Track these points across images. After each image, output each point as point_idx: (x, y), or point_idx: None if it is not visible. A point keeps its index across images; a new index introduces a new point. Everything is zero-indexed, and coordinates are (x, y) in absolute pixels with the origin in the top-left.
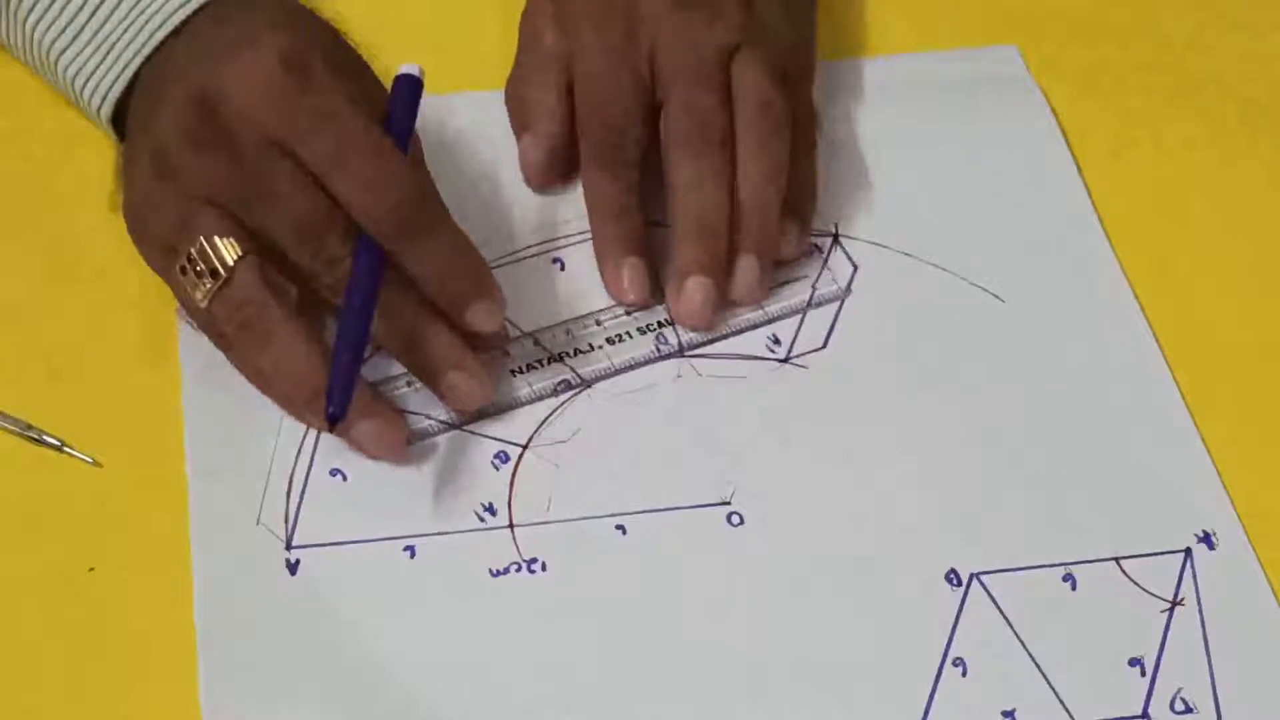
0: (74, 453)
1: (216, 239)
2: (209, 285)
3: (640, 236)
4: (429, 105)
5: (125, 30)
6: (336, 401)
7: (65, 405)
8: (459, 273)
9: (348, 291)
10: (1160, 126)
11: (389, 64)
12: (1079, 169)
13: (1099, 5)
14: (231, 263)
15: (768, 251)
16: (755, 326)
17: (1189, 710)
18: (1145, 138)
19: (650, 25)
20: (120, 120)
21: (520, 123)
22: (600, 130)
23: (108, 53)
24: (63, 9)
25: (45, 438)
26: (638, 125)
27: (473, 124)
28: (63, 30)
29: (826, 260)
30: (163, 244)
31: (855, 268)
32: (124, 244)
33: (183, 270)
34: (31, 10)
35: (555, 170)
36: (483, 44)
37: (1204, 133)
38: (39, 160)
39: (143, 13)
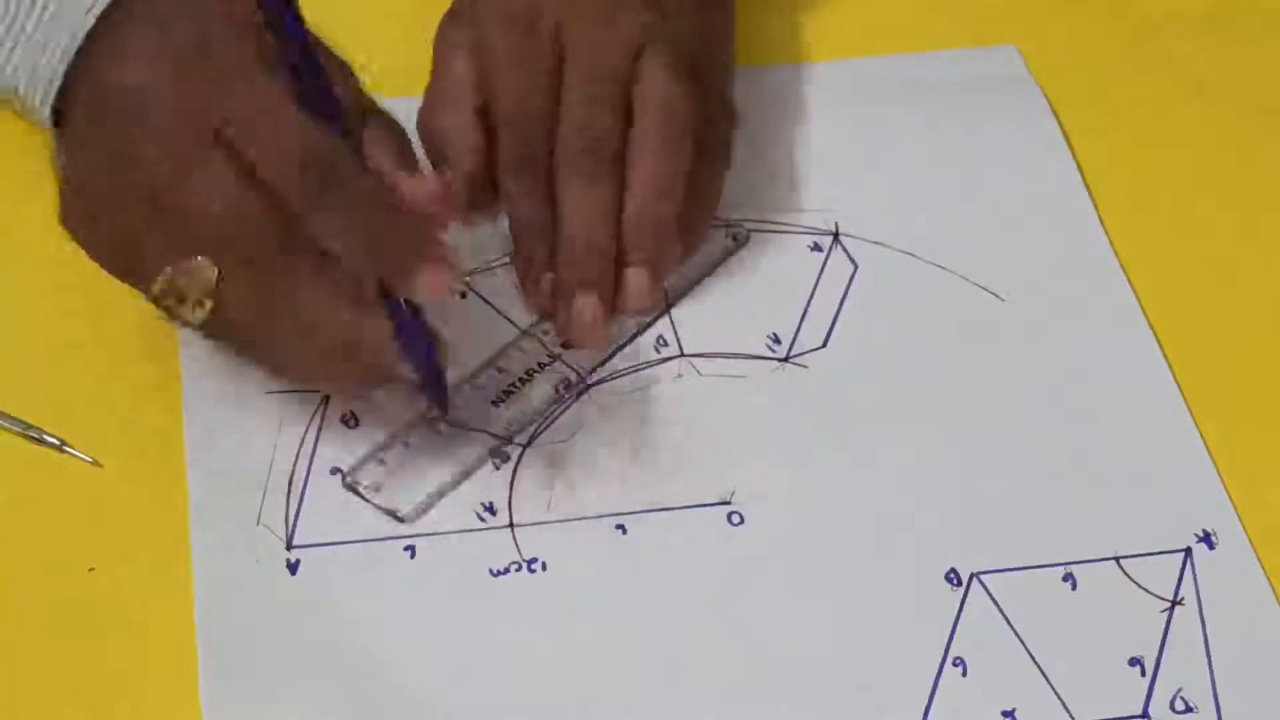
0: (74, 453)
1: (193, 265)
2: (202, 312)
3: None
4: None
5: (51, 31)
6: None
7: (65, 405)
8: (385, 236)
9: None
10: (1160, 126)
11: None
12: (1079, 169)
13: (1099, 5)
14: (215, 283)
15: (658, 264)
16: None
17: (1189, 710)
18: (1145, 137)
19: (557, 28)
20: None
21: (435, 154)
22: (516, 139)
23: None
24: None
25: (45, 438)
26: (551, 128)
27: None
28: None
29: (827, 260)
30: (129, 254)
31: (855, 267)
32: None
33: (157, 297)
34: None
35: (479, 198)
36: None
37: (1204, 132)
38: (38, 158)
39: (59, 17)
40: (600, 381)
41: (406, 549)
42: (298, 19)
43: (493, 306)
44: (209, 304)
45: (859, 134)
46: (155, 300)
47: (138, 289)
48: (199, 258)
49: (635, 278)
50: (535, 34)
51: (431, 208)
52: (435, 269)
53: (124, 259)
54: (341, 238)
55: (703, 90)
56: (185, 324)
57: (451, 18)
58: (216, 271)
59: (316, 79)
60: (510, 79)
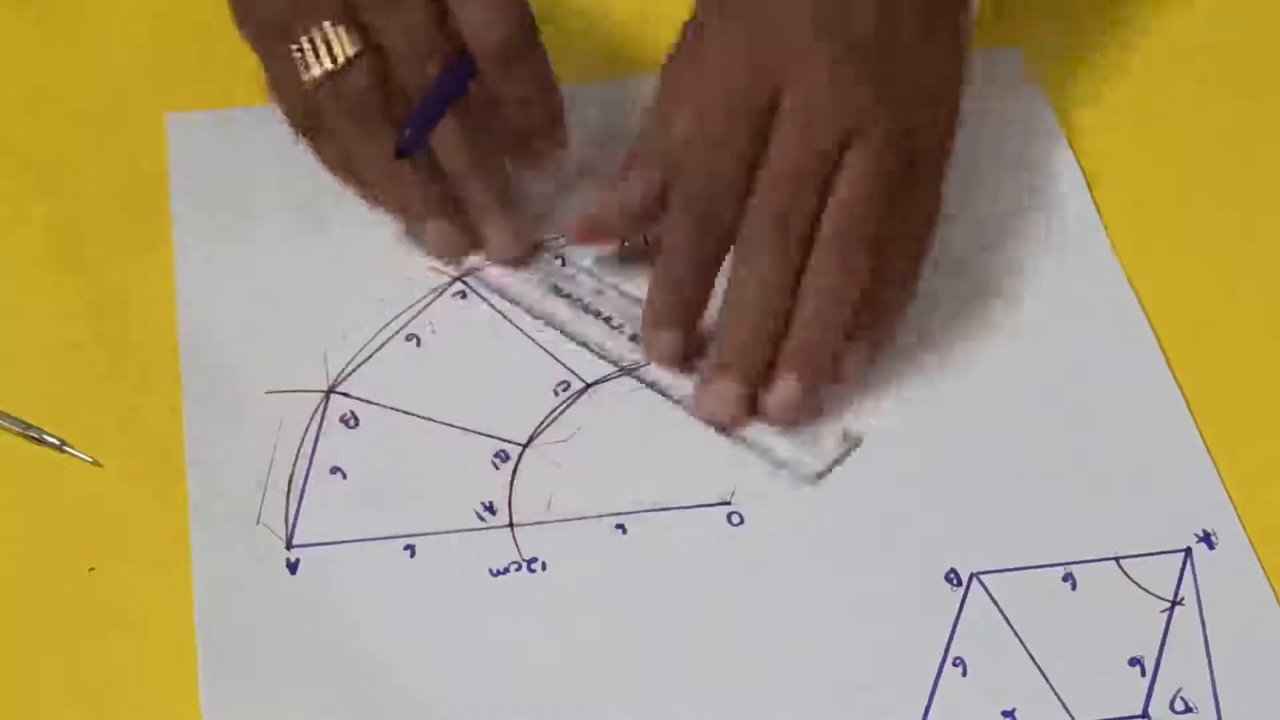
0: (74, 453)
1: (343, 30)
2: (323, 70)
3: (692, 308)
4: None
5: None
6: (415, 127)
7: (65, 405)
8: (543, 104)
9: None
10: (1161, 126)
11: None
12: (1081, 169)
13: (1100, 5)
14: (352, 55)
15: (809, 375)
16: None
17: (1189, 710)
18: (1146, 138)
19: (775, 93)
20: None
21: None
22: (695, 195)
23: None
24: None
25: (45, 438)
26: (735, 199)
27: None
28: None
29: None
30: (277, 25)
31: None
32: (124, 241)
33: (300, 50)
34: None
35: (593, 242)
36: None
37: (1205, 133)
38: (40, 157)
39: None
40: (600, 381)
41: (406, 548)
42: None
43: (502, 314)
44: (334, 67)
45: None
46: (300, 48)
47: (268, 42)
48: (353, 32)
49: (784, 385)
50: (748, 111)
51: None
52: (555, 146)
53: (277, 24)
54: (510, 90)
55: (908, 184)
56: (293, 83)
57: (678, 59)
58: (359, 49)
59: None
60: (703, 158)
